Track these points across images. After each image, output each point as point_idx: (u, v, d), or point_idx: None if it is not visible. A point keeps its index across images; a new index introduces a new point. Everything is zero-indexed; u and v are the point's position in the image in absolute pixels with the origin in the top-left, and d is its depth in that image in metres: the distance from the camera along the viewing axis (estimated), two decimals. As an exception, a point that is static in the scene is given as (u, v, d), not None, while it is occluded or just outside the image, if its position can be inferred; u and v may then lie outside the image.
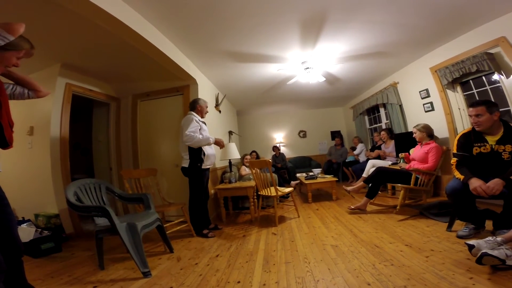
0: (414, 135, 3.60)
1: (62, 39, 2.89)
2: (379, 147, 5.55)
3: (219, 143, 3.37)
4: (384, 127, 6.40)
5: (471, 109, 2.30)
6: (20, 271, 1.56)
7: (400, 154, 3.95)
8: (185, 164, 3.20)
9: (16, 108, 3.58)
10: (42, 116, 3.50)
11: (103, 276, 2.20)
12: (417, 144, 3.70)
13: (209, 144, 3.21)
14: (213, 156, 3.27)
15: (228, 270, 2.15)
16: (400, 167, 3.78)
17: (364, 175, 4.85)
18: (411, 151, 3.83)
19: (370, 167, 4.79)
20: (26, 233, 2.83)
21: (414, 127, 3.61)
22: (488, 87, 3.58)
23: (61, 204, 3.33)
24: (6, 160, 3.44)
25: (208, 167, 3.26)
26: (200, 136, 3.10)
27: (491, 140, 2.23)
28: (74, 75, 3.77)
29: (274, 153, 7.61)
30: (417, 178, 3.38)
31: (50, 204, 3.36)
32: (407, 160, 3.75)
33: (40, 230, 3.00)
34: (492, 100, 3.25)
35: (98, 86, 4.24)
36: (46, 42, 2.91)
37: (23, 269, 1.58)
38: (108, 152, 4.58)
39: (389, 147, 5.20)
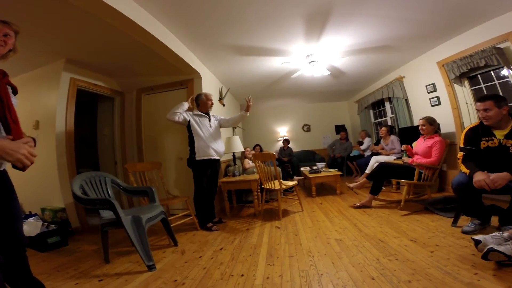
0: (421, 127, 3.52)
1: (66, 34, 2.88)
2: (383, 142, 5.51)
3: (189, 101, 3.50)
4: (389, 121, 6.35)
5: (479, 103, 2.26)
6: (24, 265, 1.56)
7: (402, 147, 3.91)
8: (188, 156, 3.31)
9: (22, 103, 3.61)
10: (48, 110, 3.52)
11: (108, 269, 2.22)
12: (420, 137, 3.66)
13: (181, 106, 3.32)
14: (206, 147, 3.24)
15: (232, 263, 2.17)
16: (403, 161, 3.75)
17: (368, 171, 4.83)
18: (414, 144, 3.78)
19: (373, 163, 4.77)
20: (33, 227, 2.87)
21: (422, 119, 3.53)
22: (496, 82, 3.51)
23: (67, 198, 3.37)
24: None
25: (204, 158, 3.23)
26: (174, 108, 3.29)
27: (499, 134, 2.19)
28: (78, 70, 3.78)
29: (283, 146, 7.51)
30: (420, 173, 3.35)
31: (56, 198, 3.40)
32: (409, 153, 3.71)
33: (46, 224, 3.04)
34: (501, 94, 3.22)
35: (102, 81, 4.25)
36: (50, 37, 2.92)
37: (27, 263, 1.58)
38: (113, 146, 4.61)
39: (388, 143, 5.16)
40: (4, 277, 1.42)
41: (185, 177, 3.99)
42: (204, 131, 3.29)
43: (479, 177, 2.05)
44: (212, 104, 3.48)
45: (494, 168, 2.11)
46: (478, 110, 2.29)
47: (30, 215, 3.21)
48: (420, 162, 3.35)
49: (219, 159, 3.48)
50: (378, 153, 5.37)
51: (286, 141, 7.58)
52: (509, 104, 2.25)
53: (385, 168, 3.60)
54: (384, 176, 3.62)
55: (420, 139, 3.62)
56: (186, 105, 3.38)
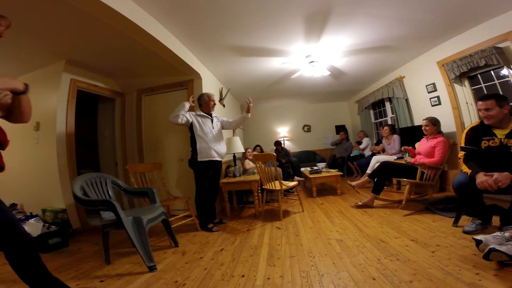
0: (424, 128, 3.52)
1: (66, 35, 2.89)
2: (384, 142, 5.50)
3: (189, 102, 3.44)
4: (389, 121, 6.34)
5: (480, 102, 2.25)
6: (38, 264, 1.47)
7: (403, 148, 3.91)
8: (189, 156, 3.31)
9: (22, 104, 3.62)
10: (48, 111, 3.52)
11: (109, 270, 2.22)
12: (423, 138, 3.66)
13: (182, 107, 3.28)
14: (208, 149, 3.23)
15: (233, 264, 2.17)
16: (405, 161, 3.75)
17: (368, 171, 4.83)
18: (417, 145, 3.78)
19: (374, 163, 4.77)
20: (34, 228, 2.88)
21: (425, 119, 3.53)
22: (496, 81, 3.51)
23: (68, 199, 3.37)
24: (14, 156, 3.48)
25: (206, 160, 3.23)
26: (181, 117, 3.24)
27: (500, 134, 2.19)
28: (78, 71, 3.78)
29: (276, 148, 7.39)
30: (422, 173, 3.35)
31: (57, 199, 3.40)
32: (412, 154, 3.71)
33: (47, 225, 3.04)
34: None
35: (102, 82, 4.25)
36: (50, 38, 2.93)
37: (40, 262, 1.48)
38: (114, 146, 4.61)
39: (390, 143, 5.15)
40: (22, 277, 1.41)
41: (186, 178, 3.99)
42: (206, 132, 3.28)
43: (482, 178, 2.04)
44: (215, 104, 3.49)
45: (495, 167, 2.10)
46: (479, 110, 2.28)
47: (31, 216, 3.21)
48: (423, 161, 3.35)
49: (221, 161, 3.48)
50: (378, 153, 5.37)
51: (277, 143, 7.43)
52: (510, 104, 2.23)
53: (388, 167, 3.60)
54: (386, 175, 3.62)
55: (424, 139, 3.62)
56: (187, 105, 3.36)
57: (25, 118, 1.48)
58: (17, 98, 1.38)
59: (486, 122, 2.26)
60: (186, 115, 3.26)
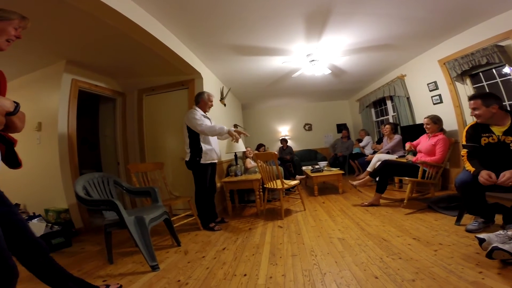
0: (426, 126, 3.52)
1: (67, 35, 2.89)
2: (385, 140, 5.49)
3: (231, 134, 3.10)
4: (391, 119, 6.33)
5: (469, 102, 2.34)
6: (55, 268, 1.51)
7: (406, 147, 3.90)
8: (187, 158, 3.23)
9: (24, 105, 3.63)
10: (50, 112, 3.53)
11: (112, 270, 2.23)
12: (424, 135, 3.65)
13: (221, 133, 3.09)
14: (211, 151, 3.24)
15: (235, 263, 2.17)
16: (407, 159, 3.74)
17: (369, 169, 4.82)
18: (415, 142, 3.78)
19: (376, 161, 4.76)
20: (36, 228, 2.88)
21: (426, 117, 3.53)
22: (498, 80, 3.50)
23: (70, 199, 3.38)
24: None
25: (209, 162, 3.24)
26: (216, 127, 3.07)
27: (498, 131, 2.21)
28: (79, 71, 3.78)
29: (282, 145, 7.60)
30: (424, 171, 3.34)
31: (59, 199, 3.41)
32: (413, 147, 3.70)
33: (50, 225, 3.05)
34: (495, 92, 3.20)
35: (103, 82, 4.25)
36: (51, 39, 2.92)
37: (55, 265, 1.52)
38: (115, 146, 4.62)
39: (391, 142, 5.12)
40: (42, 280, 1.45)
41: (187, 177, 3.98)
42: None
43: (485, 176, 2.05)
44: (212, 106, 3.46)
45: (496, 164, 2.12)
46: (470, 108, 2.35)
47: (34, 216, 3.21)
48: (424, 160, 3.34)
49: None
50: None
51: (284, 141, 7.68)
52: (499, 103, 2.24)
53: (389, 165, 3.59)
54: (388, 174, 3.61)
55: (425, 137, 3.61)
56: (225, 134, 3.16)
57: (18, 131, 1.42)
58: (9, 119, 1.30)
59: (477, 121, 2.32)
60: (204, 120, 3.13)
